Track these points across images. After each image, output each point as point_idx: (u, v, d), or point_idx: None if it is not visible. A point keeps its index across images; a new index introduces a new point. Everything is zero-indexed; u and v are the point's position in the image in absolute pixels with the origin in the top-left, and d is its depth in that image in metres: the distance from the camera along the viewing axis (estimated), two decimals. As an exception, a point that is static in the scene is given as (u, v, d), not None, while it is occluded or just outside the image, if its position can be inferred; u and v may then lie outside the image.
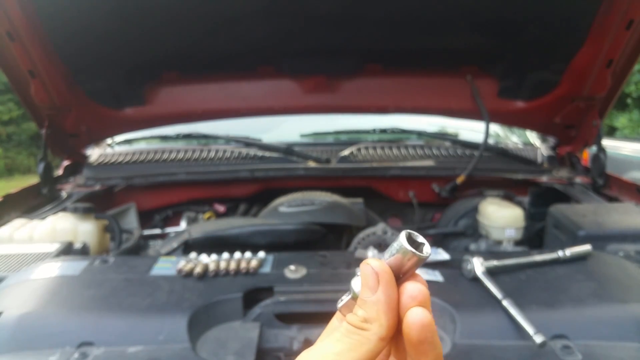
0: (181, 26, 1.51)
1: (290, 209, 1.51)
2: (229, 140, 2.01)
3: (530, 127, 1.98)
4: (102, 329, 0.81)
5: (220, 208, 1.85)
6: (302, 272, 1.03)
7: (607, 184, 1.68)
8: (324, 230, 1.45)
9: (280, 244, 1.35)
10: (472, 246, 1.60)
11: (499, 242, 1.51)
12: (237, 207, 1.89)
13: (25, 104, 1.65)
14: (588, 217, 1.28)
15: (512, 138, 2.21)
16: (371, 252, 1.09)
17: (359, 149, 1.90)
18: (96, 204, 1.46)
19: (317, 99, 1.83)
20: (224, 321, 0.90)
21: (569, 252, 1.05)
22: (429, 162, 1.82)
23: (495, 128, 2.22)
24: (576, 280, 0.97)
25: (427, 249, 0.34)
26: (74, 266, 1.01)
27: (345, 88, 1.83)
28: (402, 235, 0.34)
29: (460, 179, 1.73)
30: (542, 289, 0.94)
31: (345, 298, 0.38)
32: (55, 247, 1.21)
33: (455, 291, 0.94)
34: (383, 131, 2.06)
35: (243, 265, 1.02)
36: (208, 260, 1.04)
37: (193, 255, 1.07)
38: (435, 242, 1.71)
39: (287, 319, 0.91)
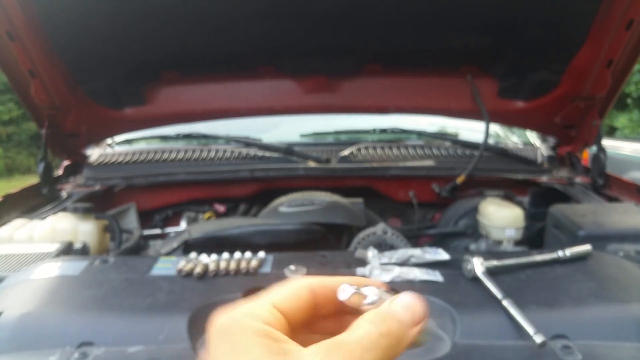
0: (181, 26, 1.51)
1: (290, 209, 1.51)
2: (229, 140, 2.01)
3: (530, 127, 1.98)
4: (102, 329, 0.81)
5: (220, 208, 1.85)
6: (302, 272, 1.03)
7: (607, 184, 1.68)
8: (324, 230, 1.45)
9: (280, 244, 1.35)
10: (472, 246, 1.60)
11: (499, 242, 1.51)
12: (237, 207, 1.89)
13: (25, 104, 1.65)
14: (588, 217, 1.28)
15: (512, 138, 2.21)
16: (371, 252, 1.09)
17: (359, 149, 1.90)
18: (96, 204, 1.46)
19: (317, 99, 1.83)
20: (224, 321, 0.89)
21: (569, 252, 1.05)
22: (429, 162, 1.82)
23: (495, 128, 2.22)
24: (576, 280, 0.97)
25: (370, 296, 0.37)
26: (74, 266, 1.01)
27: (345, 88, 1.83)
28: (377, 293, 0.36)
29: (460, 179, 1.73)
30: (542, 289, 0.94)
31: (366, 303, 0.38)
32: (55, 247, 1.21)
33: (455, 291, 0.94)
34: (383, 131, 2.06)
35: (243, 265, 1.02)
36: (208, 260, 1.03)
37: (193, 255, 1.07)
38: (435, 242, 1.71)
39: (287, 319, 0.91)
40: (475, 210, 1.63)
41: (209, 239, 1.36)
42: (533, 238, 1.60)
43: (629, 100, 9.01)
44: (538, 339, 0.75)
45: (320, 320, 0.40)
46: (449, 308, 0.87)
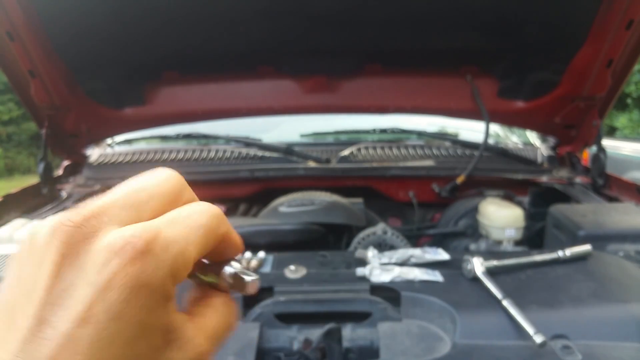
0: (181, 26, 1.51)
1: (290, 209, 1.51)
2: (229, 140, 2.01)
3: (530, 127, 1.98)
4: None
5: (220, 208, 1.85)
6: (302, 272, 1.03)
7: (607, 184, 1.68)
8: (324, 230, 1.45)
9: (280, 244, 1.35)
10: (472, 246, 1.60)
11: (499, 242, 1.51)
12: (237, 207, 1.89)
13: (25, 104, 1.65)
14: (588, 217, 1.28)
15: (512, 138, 2.21)
16: (371, 252, 1.09)
17: (359, 149, 1.90)
18: (96, 204, 1.46)
19: (317, 99, 1.83)
20: (224, 321, 0.89)
21: (569, 252, 1.05)
22: (429, 162, 1.82)
23: (495, 128, 2.21)
24: (576, 280, 0.97)
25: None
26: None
27: (345, 88, 1.83)
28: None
29: (460, 179, 1.73)
30: (542, 289, 0.94)
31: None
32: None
33: (455, 291, 0.94)
34: (383, 131, 2.06)
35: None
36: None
37: (193, 255, 1.07)
38: (435, 242, 1.71)
39: (287, 319, 0.91)
40: (475, 210, 1.63)
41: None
42: (533, 238, 1.60)
43: (629, 100, 9.01)
44: (538, 339, 0.75)
45: None
46: (449, 308, 0.87)
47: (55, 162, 1.84)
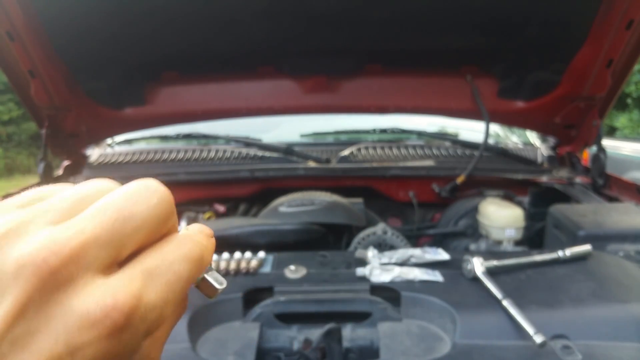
0: (181, 26, 1.51)
1: (290, 209, 1.51)
2: (229, 140, 2.01)
3: (530, 127, 1.98)
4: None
5: (220, 208, 1.85)
6: (302, 272, 1.03)
7: (607, 184, 1.68)
8: (324, 230, 1.45)
9: (280, 244, 1.35)
10: (472, 246, 1.60)
11: (499, 242, 1.51)
12: (237, 207, 1.89)
13: (25, 104, 1.65)
14: (588, 217, 1.28)
15: (512, 138, 2.21)
16: (371, 252, 1.09)
17: (359, 149, 1.90)
18: (96, 204, 1.46)
19: (317, 99, 1.83)
20: (224, 321, 0.90)
21: (569, 252, 1.05)
22: (429, 162, 1.82)
23: (495, 128, 2.22)
24: (576, 280, 0.97)
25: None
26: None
27: (345, 88, 1.83)
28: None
29: (460, 179, 1.73)
30: (542, 289, 0.94)
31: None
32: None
33: (455, 291, 0.94)
34: (383, 131, 2.06)
35: (243, 265, 1.02)
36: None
37: (193, 255, 1.07)
38: (435, 242, 1.71)
39: (287, 319, 0.91)
40: (475, 210, 1.63)
41: (209, 239, 1.36)
42: (533, 238, 1.60)
43: (629, 100, 9.01)
44: (538, 339, 0.76)
45: None
46: (449, 308, 0.87)
47: (55, 162, 1.84)
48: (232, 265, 1.01)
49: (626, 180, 1.62)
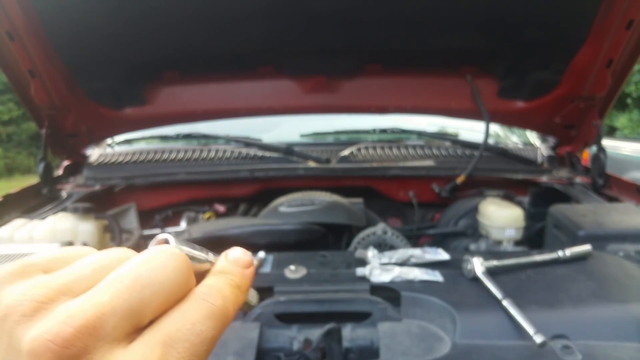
0: (181, 26, 1.51)
1: (290, 209, 1.51)
2: (229, 140, 2.01)
3: (530, 127, 1.98)
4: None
5: (220, 208, 1.85)
6: (302, 272, 1.03)
7: (607, 184, 1.68)
8: (324, 230, 1.45)
9: (280, 244, 1.35)
10: (472, 246, 1.60)
11: (499, 242, 1.51)
12: (237, 207, 1.89)
13: (25, 104, 1.65)
14: (588, 217, 1.28)
15: (512, 138, 2.21)
16: (371, 252, 1.09)
17: (359, 149, 1.90)
18: (96, 204, 1.46)
19: (317, 99, 1.83)
20: (224, 321, 0.89)
21: (569, 252, 1.05)
22: (429, 162, 1.82)
23: (495, 128, 2.22)
24: (576, 280, 0.97)
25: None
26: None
27: (345, 88, 1.83)
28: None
29: (460, 179, 1.73)
30: (542, 289, 0.94)
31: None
32: (55, 247, 1.20)
33: (455, 291, 0.94)
34: (383, 131, 2.06)
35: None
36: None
37: (193, 255, 1.07)
38: (435, 242, 1.71)
39: (287, 319, 0.91)
40: (475, 210, 1.63)
41: (208, 239, 1.36)
42: (533, 238, 1.60)
43: (629, 100, 9.01)
44: (538, 339, 0.75)
45: None
46: (449, 308, 0.87)
47: (55, 162, 1.84)
48: (232, 265, 1.01)
49: (626, 180, 1.62)
